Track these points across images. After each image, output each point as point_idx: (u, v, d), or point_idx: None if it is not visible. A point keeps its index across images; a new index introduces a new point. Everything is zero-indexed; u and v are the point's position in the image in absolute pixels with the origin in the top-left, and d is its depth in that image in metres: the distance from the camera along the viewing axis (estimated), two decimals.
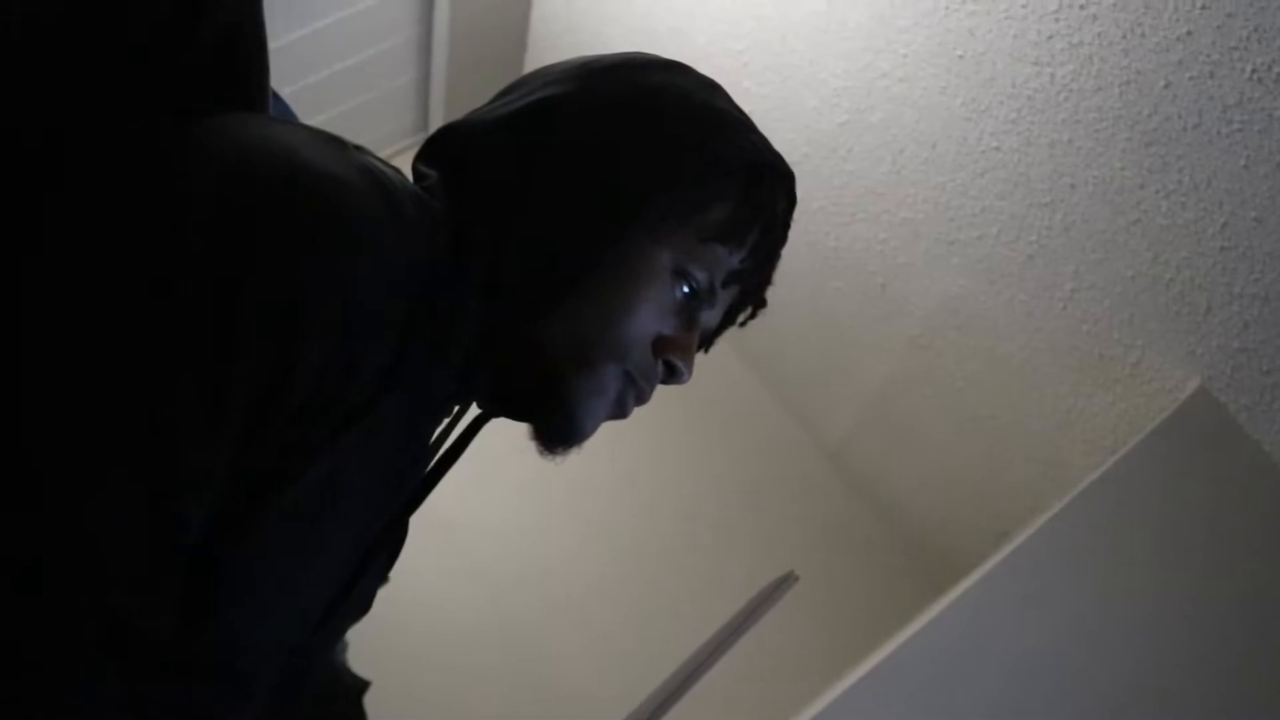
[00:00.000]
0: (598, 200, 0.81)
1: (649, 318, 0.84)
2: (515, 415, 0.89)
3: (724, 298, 0.90)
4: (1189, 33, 1.43)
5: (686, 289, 0.86)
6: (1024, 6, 1.61)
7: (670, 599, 2.72)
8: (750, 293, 0.93)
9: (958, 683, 1.66)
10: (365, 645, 2.08)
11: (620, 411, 0.88)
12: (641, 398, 0.88)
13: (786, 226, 0.92)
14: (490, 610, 2.74)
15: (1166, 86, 1.51)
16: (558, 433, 0.86)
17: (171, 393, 0.62)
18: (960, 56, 1.77)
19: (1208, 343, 1.76)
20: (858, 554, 3.00)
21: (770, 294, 0.98)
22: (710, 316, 0.90)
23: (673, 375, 0.88)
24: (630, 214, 0.81)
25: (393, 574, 1.81)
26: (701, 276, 0.86)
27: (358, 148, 0.76)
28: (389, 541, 0.86)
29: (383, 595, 1.64)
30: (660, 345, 0.86)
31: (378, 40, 2.71)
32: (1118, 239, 1.76)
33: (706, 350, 0.96)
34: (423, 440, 0.85)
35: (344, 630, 0.94)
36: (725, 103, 0.90)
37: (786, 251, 0.95)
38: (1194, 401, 1.83)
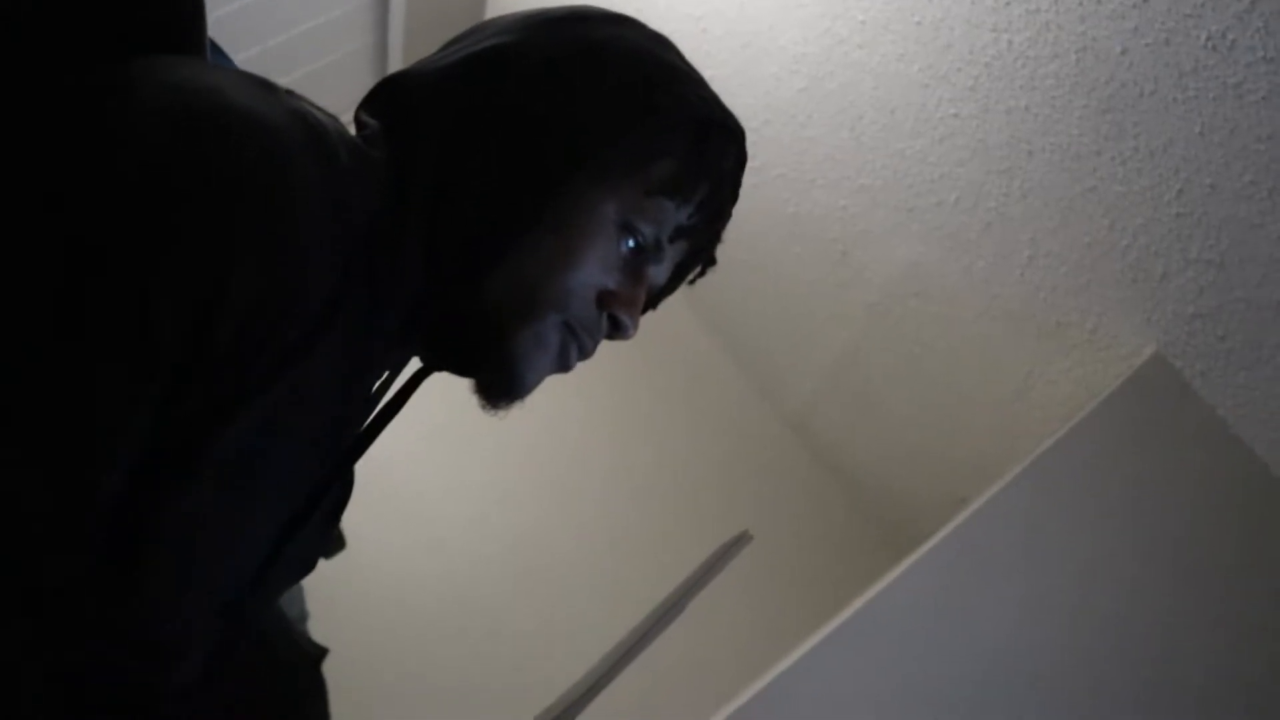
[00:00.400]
0: (542, 151, 0.80)
1: (593, 270, 0.83)
2: (456, 369, 0.88)
3: (671, 254, 0.89)
4: None
5: (632, 243, 0.85)
6: None
7: (630, 567, 2.73)
8: (699, 250, 0.92)
9: (916, 647, 1.67)
10: (324, 615, 2.08)
11: (563, 365, 0.87)
12: (584, 351, 0.87)
13: (736, 184, 0.92)
14: (450, 578, 2.74)
15: (1123, 53, 1.51)
16: (499, 386, 0.86)
17: (94, 339, 0.60)
18: (918, 23, 1.77)
19: (1163, 309, 1.77)
20: (818, 520, 3.01)
21: (731, 259, 0.97)
22: (658, 273, 0.89)
23: (617, 330, 0.87)
24: (575, 165, 0.80)
25: (351, 543, 1.81)
26: (648, 230, 0.85)
27: (289, 92, 0.75)
28: (331, 495, 0.85)
29: (341, 564, 1.64)
30: (605, 299, 0.85)
31: (335, 5, 2.68)
32: (1075, 205, 1.76)
33: (654, 308, 0.96)
34: (361, 391, 0.84)
35: (283, 589, 0.93)
36: (674, 57, 0.89)
37: (747, 217, 0.94)
38: (1149, 367, 1.84)
